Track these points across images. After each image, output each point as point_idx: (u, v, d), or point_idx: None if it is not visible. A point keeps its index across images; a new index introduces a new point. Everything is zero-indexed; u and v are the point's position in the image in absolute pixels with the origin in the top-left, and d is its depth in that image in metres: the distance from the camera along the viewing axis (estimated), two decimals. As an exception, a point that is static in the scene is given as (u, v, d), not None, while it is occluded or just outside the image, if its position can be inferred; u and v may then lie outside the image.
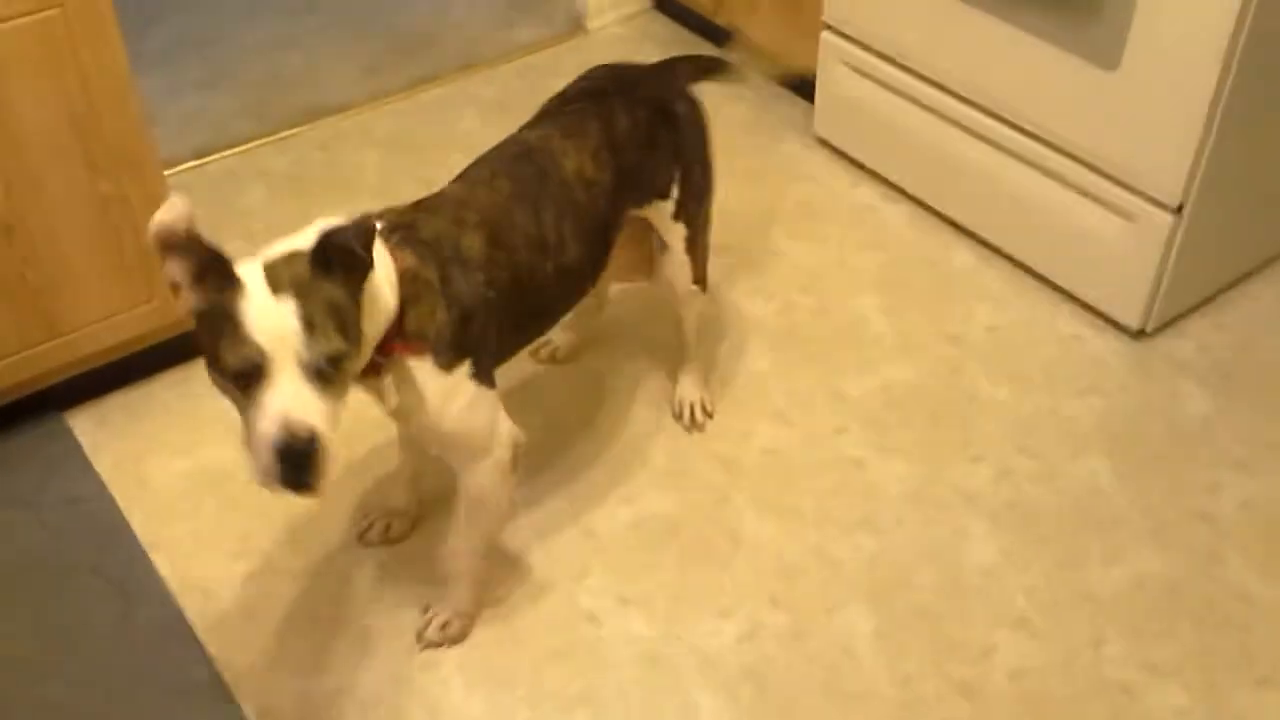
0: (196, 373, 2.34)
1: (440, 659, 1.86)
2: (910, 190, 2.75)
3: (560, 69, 3.20)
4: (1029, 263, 2.54)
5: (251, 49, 3.32)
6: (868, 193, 2.80)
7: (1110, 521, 2.06)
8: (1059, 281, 2.49)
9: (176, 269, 1.34)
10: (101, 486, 2.13)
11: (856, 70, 2.74)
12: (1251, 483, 2.12)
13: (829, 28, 2.77)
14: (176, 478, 2.15)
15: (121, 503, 2.10)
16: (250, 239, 2.69)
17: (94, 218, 2.05)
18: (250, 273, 1.35)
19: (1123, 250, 2.32)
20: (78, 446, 2.20)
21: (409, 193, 2.94)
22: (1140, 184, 2.24)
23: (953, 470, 2.15)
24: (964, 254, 2.62)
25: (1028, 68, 2.34)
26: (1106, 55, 2.19)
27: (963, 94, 2.51)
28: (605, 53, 3.29)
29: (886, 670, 1.84)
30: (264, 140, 2.98)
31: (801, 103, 3.04)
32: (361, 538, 2.02)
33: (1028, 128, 2.40)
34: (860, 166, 2.85)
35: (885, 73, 2.67)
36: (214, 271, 1.34)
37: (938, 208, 2.70)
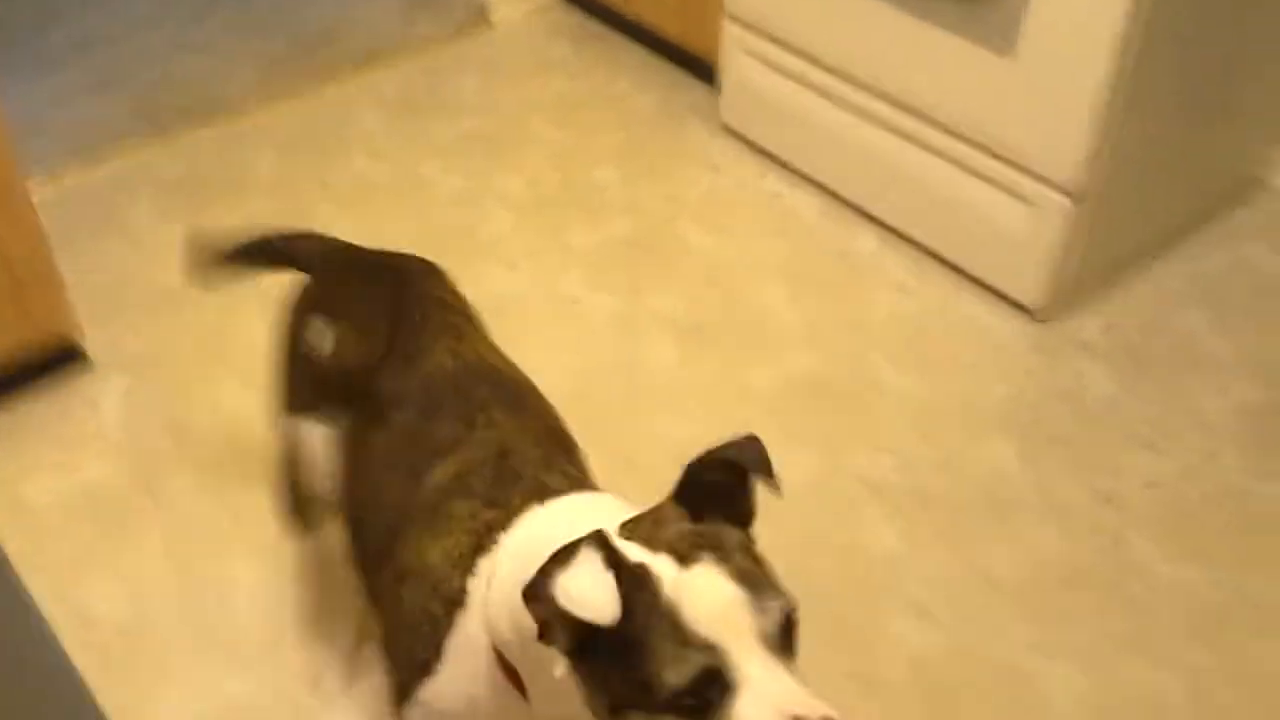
0: (71, 389, 2.30)
1: (327, 677, 1.80)
2: (816, 178, 2.72)
3: (464, 64, 3.15)
4: (934, 248, 2.52)
5: (149, 51, 3.23)
6: (774, 181, 2.77)
7: (1013, 505, 2.04)
8: (964, 266, 2.47)
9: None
10: (-23, 509, 2.05)
11: (760, 59, 2.70)
12: (1156, 463, 2.11)
13: (731, 17, 2.73)
14: (53, 498, 2.07)
15: (-2, 526, 2.02)
16: (138, 248, 2.63)
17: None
18: (635, 553, 0.97)
19: (1025, 234, 2.30)
20: (-47, 469, 2.11)
21: (307, 194, 2.89)
22: (1039, 169, 2.22)
23: (856, 459, 2.12)
24: (870, 241, 2.60)
25: (926, 55, 2.31)
26: (1002, 42, 2.16)
27: (865, 82, 2.48)
28: (510, 47, 3.25)
29: (787, 668, 1.80)
30: (156, 145, 2.89)
31: (708, 90, 3.00)
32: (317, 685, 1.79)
33: (929, 115, 2.37)
34: (767, 155, 2.82)
35: (788, 62, 2.63)
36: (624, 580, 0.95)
37: (844, 195, 2.67)
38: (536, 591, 0.93)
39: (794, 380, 2.28)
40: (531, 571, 0.95)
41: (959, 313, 2.41)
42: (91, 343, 2.31)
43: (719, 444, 1.05)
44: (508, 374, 1.40)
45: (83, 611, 1.89)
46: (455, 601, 1.14)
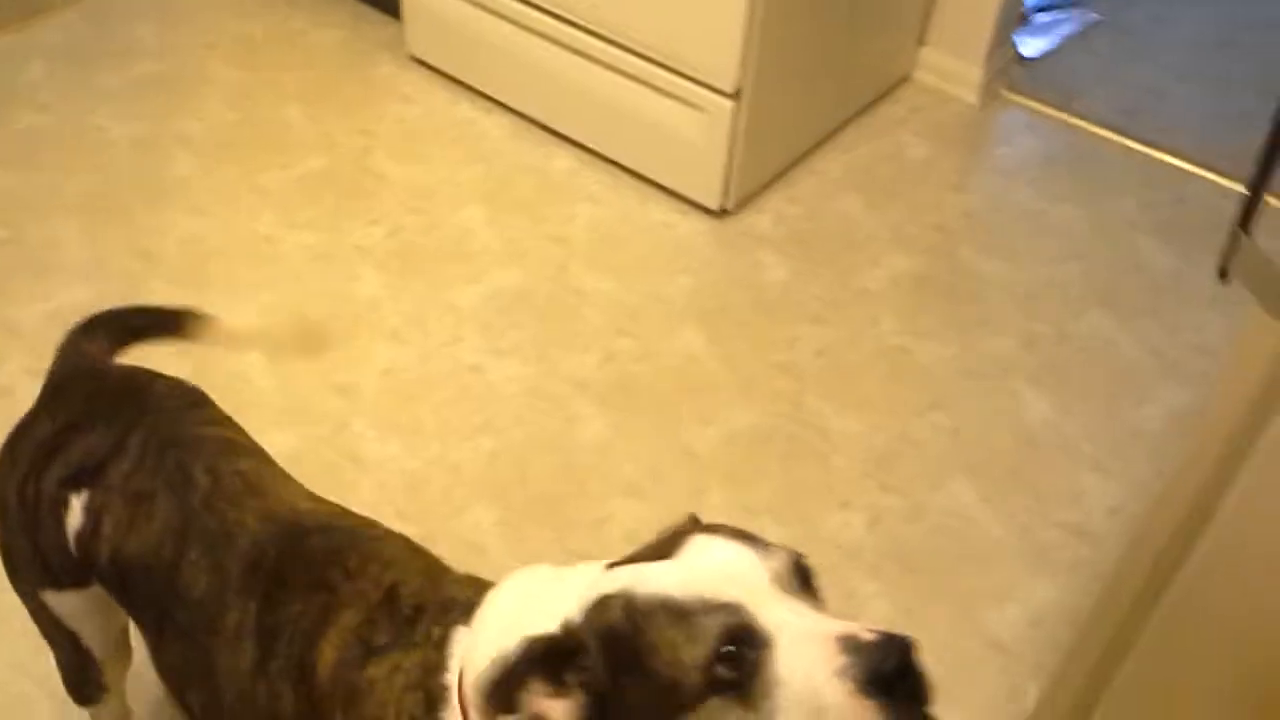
0: None
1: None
2: (507, 102, 2.82)
3: (132, 9, 3.05)
4: (620, 160, 2.68)
5: None
6: (467, 109, 2.85)
7: (705, 386, 2.24)
8: (648, 174, 2.65)
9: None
10: None
11: (435, -13, 2.76)
12: (825, 332, 2.36)
13: (403, -54, 2.77)
14: None
15: None
16: None
17: None
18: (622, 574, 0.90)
19: (695, 138, 2.49)
20: None
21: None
22: (699, 74, 2.41)
23: (564, 362, 2.27)
24: (563, 159, 2.73)
25: (587, -29, 2.44)
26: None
27: (540, 3, 2.58)
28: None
29: (511, 559, 1.94)
30: None
31: (394, 23, 3.03)
32: None
33: (601, 31, 2.51)
34: (457, 82, 2.89)
35: (462, -13, 2.71)
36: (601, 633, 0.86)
37: (535, 116, 2.79)
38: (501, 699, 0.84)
39: (500, 295, 2.39)
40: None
41: (648, 218, 2.59)
42: None
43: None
44: (324, 512, 1.20)
45: None
46: None
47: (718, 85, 2.40)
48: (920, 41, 2.94)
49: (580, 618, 0.88)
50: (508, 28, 2.68)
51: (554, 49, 2.62)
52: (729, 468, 2.10)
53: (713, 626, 0.81)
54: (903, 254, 2.54)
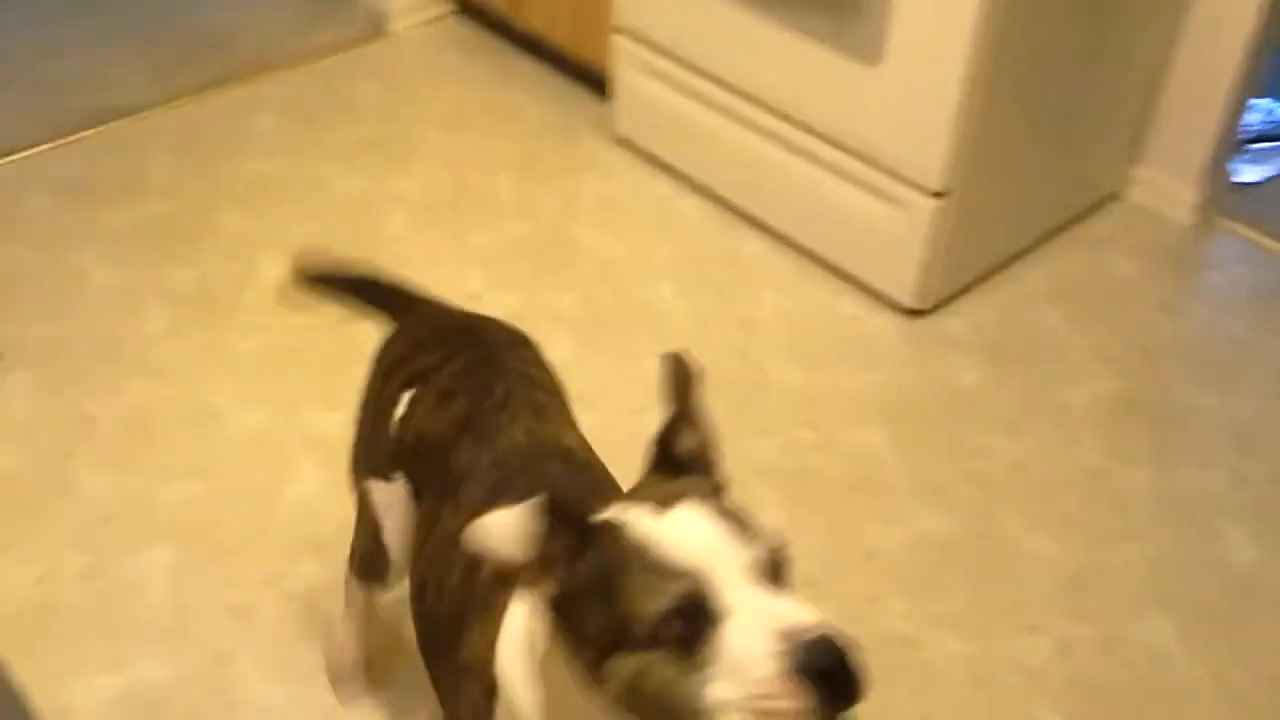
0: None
1: (238, 654, 1.84)
2: (705, 184, 2.85)
3: (359, 72, 3.21)
4: (814, 249, 2.67)
5: (33, 50, 3.20)
6: (665, 188, 2.89)
7: (889, 485, 2.18)
8: (841, 266, 2.63)
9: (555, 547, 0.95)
10: None
11: (648, 71, 2.83)
12: (1020, 445, 2.28)
13: (620, 30, 2.85)
14: (-47, 487, 2.07)
15: (-107, 517, 2.01)
16: (35, 244, 2.63)
17: None
18: (609, 514, 0.98)
19: (894, 235, 2.46)
20: None
21: (201, 193, 2.91)
22: (905, 171, 2.39)
23: (744, 445, 2.24)
24: (755, 243, 2.74)
25: (800, 66, 2.47)
26: (869, 52, 2.33)
27: (746, 91, 2.62)
28: (406, 57, 3.32)
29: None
30: (48, 145, 2.88)
31: (602, 102, 3.11)
32: (335, 683, 1.81)
33: (805, 122, 2.52)
34: (658, 162, 2.94)
35: (675, 73, 2.76)
36: (592, 535, 0.96)
37: (731, 200, 2.81)
38: (467, 538, 0.93)
39: (685, 373, 2.39)
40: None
41: (838, 310, 2.56)
42: (-7, 338, 2.31)
43: (665, 406, 1.07)
44: (581, 454, 1.37)
45: (-16, 597, 1.89)
46: (491, 690, 1.10)
47: (923, 184, 2.37)
48: (1132, 160, 2.87)
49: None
50: (713, 114, 2.72)
51: (754, 135, 2.64)
52: (911, 574, 2.03)
53: (674, 589, 0.89)
54: (1105, 373, 2.45)
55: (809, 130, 2.52)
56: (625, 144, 3.00)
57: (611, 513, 0.96)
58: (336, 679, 1.81)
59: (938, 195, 2.36)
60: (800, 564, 2.01)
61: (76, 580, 1.92)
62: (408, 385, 1.45)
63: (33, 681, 1.77)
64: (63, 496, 2.06)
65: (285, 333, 2.40)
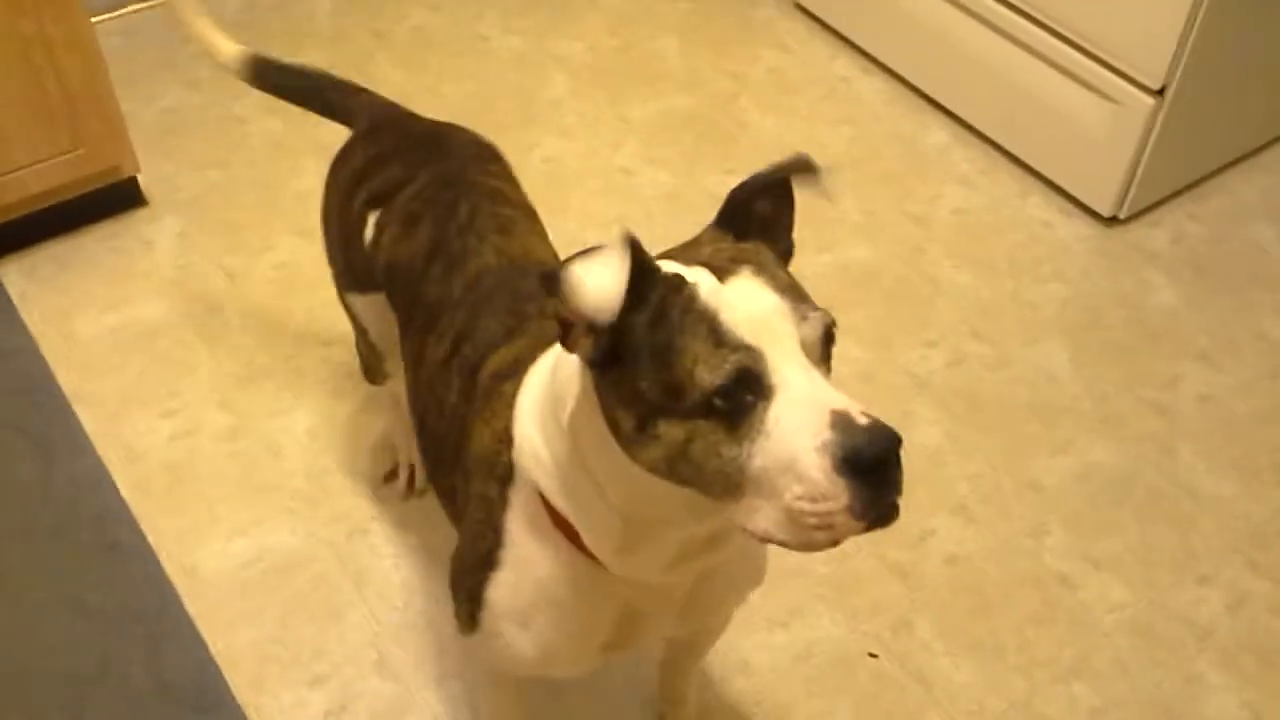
0: (126, 226, 2.31)
1: (370, 526, 1.82)
2: (888, 63, 2.64)
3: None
4: (1004, 143, 2.45)
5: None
6: (844, 64, 2.69)
7: (1062, 410, 2.01)
8: (1033, 164, 2.40)
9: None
10: (29, 339, 2.06)
11: (837, -68, 2.60)
12: (1212, 376, 2.07)
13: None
14: (105, 333, 2.08)
15: (48, 357, 2.04)
16: (195, 88, 2.60)
17: (15, 60, 1.93)
18: (670, 268, 0.92)
19: (1101, 134, 2.22)
20: (6, 298, 2.12)
21: (363, 46, 2.83)
22: (1123, 64, 2.14)
23: (906, 353, 2.09)
24: (938, 132, 2.52)
25: (1014, -66, 2.21)
26: (1094, -79, 2.07)
27: (945, -40, 2.38)
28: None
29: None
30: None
31: (781, -33, 2.90)
32: (386, 479, 1.87)
33: (1014, 1, 2.28)
34: (838, 36, 2.72)
35: (866, -64, 2.53)
36: (653, 288, 0.90)
37: (915, 83, 2.59)
38: (551, 283, 0.86)
39: (848, 269, 2.24)
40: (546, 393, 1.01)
41: (1025, 212, 2.35)
42: (147, 179, 2.29)
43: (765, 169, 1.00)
44: (552, 263, 1.33)
45: (129, 445, 1.91)
46: (506, 478, 1.09)
47: (1141, 80, 2.12)
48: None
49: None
50: (907, -15, 2.49)
51: (951, 11, 2.40)
52: (1076, 509, 1.88)
53: (731, 362, 0.86)
54: (1321, 302, 2.20)
55: (1017, 10, 2.28)
56: (804, 12, 2.78)
57: (672, 268, 0.91)
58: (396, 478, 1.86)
59: (1156, 93, 2.11)
60: (956, 489, 1.90)
61: (215, 440, 1.92)
62: (371, 205, 1.42)
63: (161, 540, 1.78)
64: (208, 353, 2.05)
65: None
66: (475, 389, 1.19)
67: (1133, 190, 2.26)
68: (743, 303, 0.88)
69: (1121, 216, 2.30)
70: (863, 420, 0.85)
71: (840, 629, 1.71)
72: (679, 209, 2.34)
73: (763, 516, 0.87)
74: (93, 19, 2.06)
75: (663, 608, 1.14)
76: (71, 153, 2.06)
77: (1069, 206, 2.35)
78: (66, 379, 2.00)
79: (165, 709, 1.61)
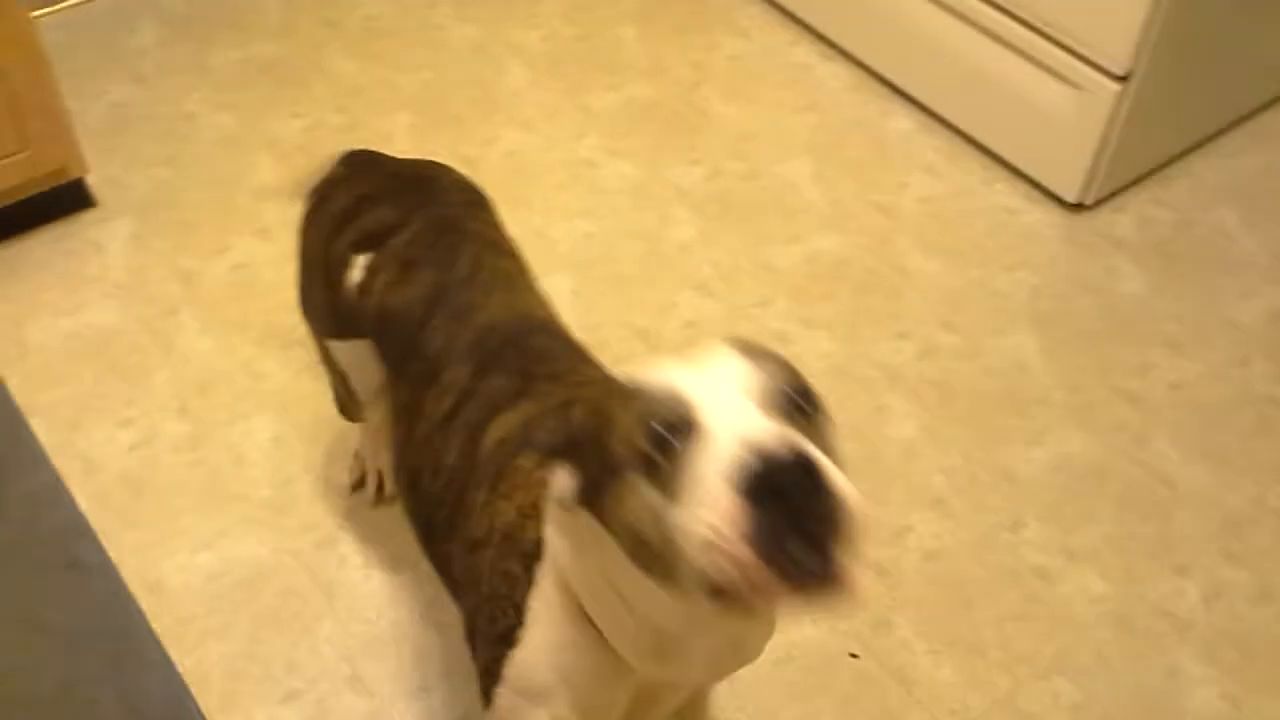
0: (75, 229, 2.23)
1: (339, 535, 1.77)
2: (850, 50, 2.61)
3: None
4: (968, 131, 2.43)
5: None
6: (805, 51, 2.66)
7: (1034, 401, 2.01)
8: (998, 151, 2.39)
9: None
10: (-24, 348, 1.99)
11: (797, -83, 2.57)
12: (1183, 364, 2.07)
13: None
14: (57, 340, 2.01)
15: (-3, 365, 1.97)
16: (140, 82, 2.52)
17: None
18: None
19: (1065, 120, 2.21)
20: (-50, 304, 2.05)
21: (312, 34, 2.75)
22: (1088, 51, 2.13)
23: (876, 346, 2.08)
24: (902, 120, 2.51)
25: (977, -80, 2.19)
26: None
27: (907, -54, 2.36)
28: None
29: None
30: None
31: (740, -48, 2.86)
32: (354, 488, 1.81)
33: (974, -15, 2.26)
34: (797, 21, 2.70)
35: (827, -79, 2.50)
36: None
37: (877, 69, 2.57)
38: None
39: (816, 260, 2.22)
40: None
41: (990, 199, 2.34)
42: (95, 179, 2.22)
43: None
44: (556, 325, 1.31)
45: (84, 456, 1.85)
46: (532, 555, 1.05)
47: (1104, 64, 2.11)
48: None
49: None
50: (869, -30, 2.46)
51: (915, -1, 2.39)
52: (1051, 500, 1.87)
53: (654, 411, 0.83)
54: (1285, 287, 2.21)
55: (977, -4, 2.27)
56: (764, -1, 2.76)
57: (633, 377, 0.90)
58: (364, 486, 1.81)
59: (1121, 79, 2.10)
60: (932, 482, 1.88)
61: (175, 449, 1.86)
62: (360, 248, 1.35)
63: (124, 554, 1.73)
64: (164, 359, 1.99)
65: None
66: (477, 454, 1.15)
67: (1098, 177, 2.25)
68: (691, 368, 0.86)
69: (1087, 203, 2.30)
70: (776, 447, 0.77)
71: (820, 630, 1.70)
72: (646, 202, 2.31)
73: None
74: (32, 14, 1.98)
75: (683, 687, 1.13)
76: (16, 155, 1.98)
77: (1034, 193, 2.34)
78: (18, 389, 1.93)
79: (132, 732, 1.56)
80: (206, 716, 1.58)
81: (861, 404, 1.99)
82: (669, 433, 0.81)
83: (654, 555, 0.84)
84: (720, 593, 0.79)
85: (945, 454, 1.92)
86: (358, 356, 1.40)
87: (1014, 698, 1.64)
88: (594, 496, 0.90)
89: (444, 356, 1.24)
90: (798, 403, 0.85)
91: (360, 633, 1.66)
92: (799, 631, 1.69)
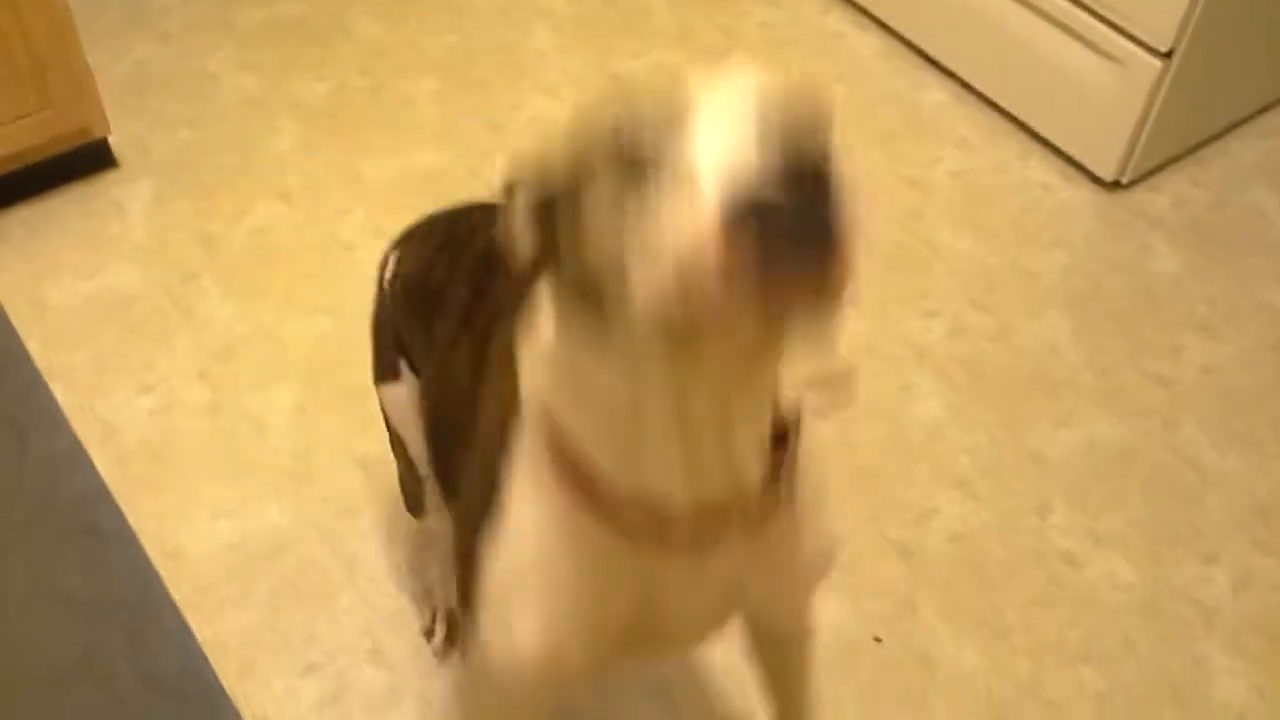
0: (97, 189, 2.21)
1: (360, 506, 1.76)
2: (883, 18, 2.56)
3: None
4: (1004, 105, 2.39)
5: None
6: (837, 19, 2.61)
7: (1064, 382, 1.97)
8: (1034, 126, 2.35)
9: None
10: (-4, 308, 1.97)
11: (833, -119, 2.51)
12: (1215, 347, 2.04)
13: None
14: (77, 301, 1.99)
15: (18, 327, 1.95)
16: (164, 40, 2.49)
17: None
18: None
19: (1105, 96, 2.17)
20: (-29, 264, 2.03)
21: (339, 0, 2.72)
22: (1131, 26, 2.08)
23: (905, 324, 2.05)
24: (935, 92, 2.46)
25: (1018, -114, 2.14)
26: (1106, -124, 2.00)
27: (945, -87, 2.30)
28: None
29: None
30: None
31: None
32: (426, 635, 1.64)
33: (1013, -46, 2.21)
34: (831, -11, 2.65)
35: (864, -115, 2.45)
36: None
37: (912, 39, 2.52)
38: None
39: (846, 234, 2.18)
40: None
41: (1025, 175, 2.30)
42: (117, 140, 2.20)
43: None
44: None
45: (103, 420, 1.84)
46: (511, 427, 0.97)
47: (1147, 40, 2.06)
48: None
49: None
50: (905, -63, 2.41)
51: (954, -32, 2.34)
52: (1079, 483, 1.85)
53: (640, 108, 0.71)
54: (1323, 271, 2.16)
55: (1014, -35, 2.21)
56: (796, -35, 2.70)
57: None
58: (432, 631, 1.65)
59: (1164, 55, 2.05)
60: (958, 463, 1.86)
61: (196, 415, 1.85)
62: (396, 247, 1.38)
63: (142, 520, 1.72)
64: (185, 323, 1.98)
65: (417, 161, 2.25)
66: (485, 363, 1.11)
67: (1136, 154, 2.21)
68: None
69: (1124, 181, 2.26)
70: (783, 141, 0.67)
71: (844, 613, 1.68)
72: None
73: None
74: (57, -30, 1.95)
75: (689, 591, 0.97)
76: (39, 113, 1.96)
77: (1070, 170, 2.30)
78: (38, 351, 1.91)
79: (151, 700, 1.55)
80: (225, 685, 1.58)
81: (889, 382, 1.96)
82: (641, 127, 0.71)
83: (607, 294, 0.73)
84: (674, 328, 0.70)
85: (972, 435, 1.90)
86: (404, 394, 1.37)
87: (1038, 683, 1.62)
88: (553, 253, 0.80)
89: (446, 281, 1.24)
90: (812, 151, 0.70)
91: (381, 605, 1.65)
92: (823, 613, 1.67)
